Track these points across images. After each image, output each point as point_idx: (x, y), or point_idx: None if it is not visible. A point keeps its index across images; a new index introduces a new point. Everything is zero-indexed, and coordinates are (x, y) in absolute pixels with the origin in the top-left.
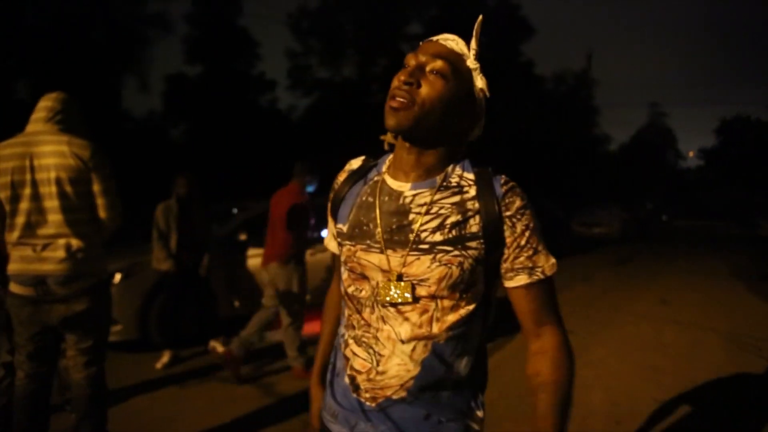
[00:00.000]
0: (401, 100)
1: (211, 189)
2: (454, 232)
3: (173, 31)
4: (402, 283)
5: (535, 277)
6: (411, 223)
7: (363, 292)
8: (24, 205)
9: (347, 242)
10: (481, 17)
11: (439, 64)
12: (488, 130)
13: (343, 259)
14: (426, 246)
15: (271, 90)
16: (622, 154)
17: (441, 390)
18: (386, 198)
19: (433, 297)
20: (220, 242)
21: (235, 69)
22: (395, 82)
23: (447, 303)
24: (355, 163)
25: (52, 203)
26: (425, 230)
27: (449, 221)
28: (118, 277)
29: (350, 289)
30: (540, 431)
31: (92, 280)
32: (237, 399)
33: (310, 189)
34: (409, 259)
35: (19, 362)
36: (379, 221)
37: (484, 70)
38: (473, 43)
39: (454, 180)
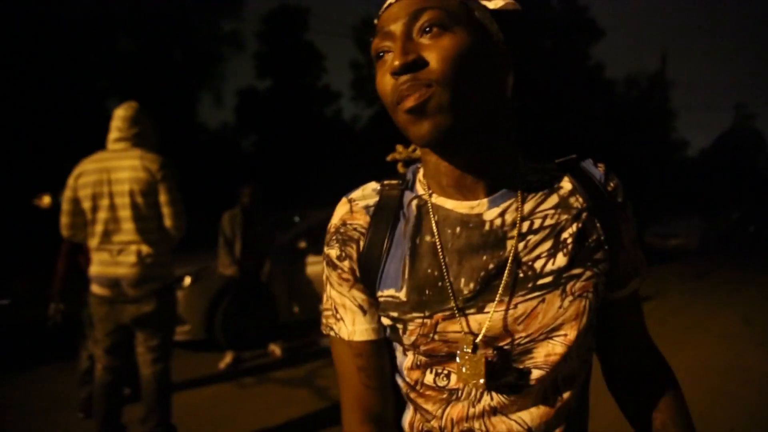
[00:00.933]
0: (418, 95)
1: (278, 197)
2: (576, 246)
3: (245, 48)
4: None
5: (641, 278)
6: (513, 253)
7: (452, 380)
8: (102, 214)
9: (415, 314)
10: None
11: (430, 15)
12: (555, 138)
13: (411, 341)
14: (549, 278)
15: (335, 101)
16: (702, 159)
17: None
18: (457, 230)
19: (569, 351)
20: (282, 249)
21: (301, 82)
22: (385, 78)
23: (585, 351)
24: (365, 197)
25: (125, 213)
26: (539, 257)
27: (565, 234)
28: (188, 280)
29: (427, 379)
30: None
31: (159, 284)
32: (293, 402)
33: None
34: (526, 306)
35: (98, 356)
36: (458, 267)
37: (548, 76)
38: None
39: (535, 177)
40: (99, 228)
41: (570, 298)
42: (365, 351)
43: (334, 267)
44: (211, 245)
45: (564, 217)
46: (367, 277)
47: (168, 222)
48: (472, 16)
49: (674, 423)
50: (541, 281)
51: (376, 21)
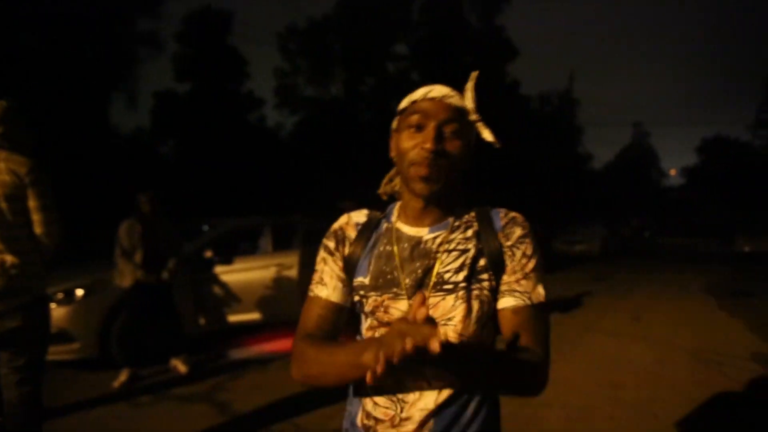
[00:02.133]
0: (431, 170)
1: (198, 206)
2: (471, 268)
3: (163, 49)
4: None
5: (521, 302)
6: (434, 265)
7: None
8: None
9: (372, 293)
10: (476, 73)
11: (454, 126)
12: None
13: (368, 310)
14: (450, 286)
15: (258, 108)
16: (606, 172)
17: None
18: (405, 245)
19: (459, 336)
20: (188, 259)
21: (224, 87)
22: (414, 147)
23: (471, 338)
24: (359, 217)
25: None
26: (448, 270)
27: (467, 258)
28: (80, 293)
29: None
30: (480, 346)
31: (28, 297)
32: (191, 419)
33: None
34: (434, 300)
35: None
36: (402, 269)
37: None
38: (470, 96)
39: (464, 218)
40: None
41: (460, 300)
42: (331, 308)
43: (331, 253)
44: (106, 258)
45: (469, 247)
46: (348, 268)
47: (38, 229)
48: (471, 133)
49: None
50: (445, 287)
51: (414, 99)
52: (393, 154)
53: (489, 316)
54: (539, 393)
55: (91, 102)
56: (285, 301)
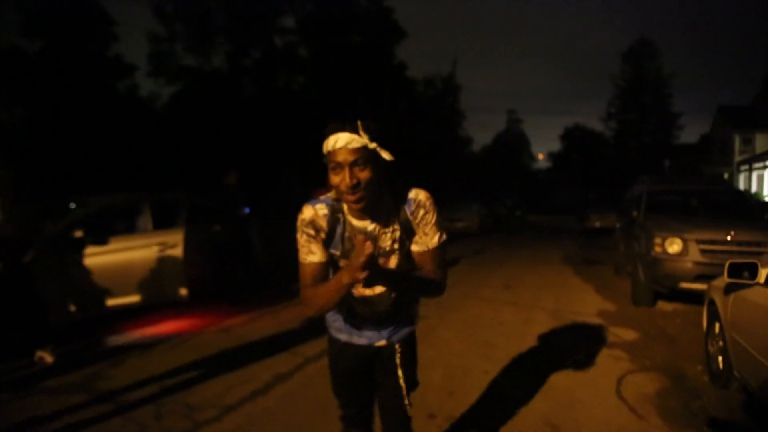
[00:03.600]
0: (355, 196)
1: (58, 183)
2: (397, 237)
3: None
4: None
5: (423, 248)
6: (379, 244)
7: (359, 287)
8: None
9: (342, 259)
10: (360, 122)
11: (360, 161)
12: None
13: (341, 265)
14: (389, 251)
15: (129, 75)
16: (484, 155)
17: (403, 306)
18: (357, 233)
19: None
20: (53, 240)
21: (85, 48)
22: (340, 184)
23: (405, 267)
24: (323, 209)
25: None
26: (386, 245)
27: (396, 235)
28: None
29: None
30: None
31: None
32: (69, 410)
33: None
34: (382, 260)
35: None
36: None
37: (356, 71)
38: (363, 134)
39: (389, 205)
40: None
41: (394, 257)
42: (321, 266)
43: (314, 237)
44: None
45: (395, 227)
46: (327, 243)
47: None
48: (376, 157)
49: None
50: (384, 252)
51: (328, 149)
52: (331, 183)
53: (408, 257)
54: (440, 295)
55: None
56: (169, 282)
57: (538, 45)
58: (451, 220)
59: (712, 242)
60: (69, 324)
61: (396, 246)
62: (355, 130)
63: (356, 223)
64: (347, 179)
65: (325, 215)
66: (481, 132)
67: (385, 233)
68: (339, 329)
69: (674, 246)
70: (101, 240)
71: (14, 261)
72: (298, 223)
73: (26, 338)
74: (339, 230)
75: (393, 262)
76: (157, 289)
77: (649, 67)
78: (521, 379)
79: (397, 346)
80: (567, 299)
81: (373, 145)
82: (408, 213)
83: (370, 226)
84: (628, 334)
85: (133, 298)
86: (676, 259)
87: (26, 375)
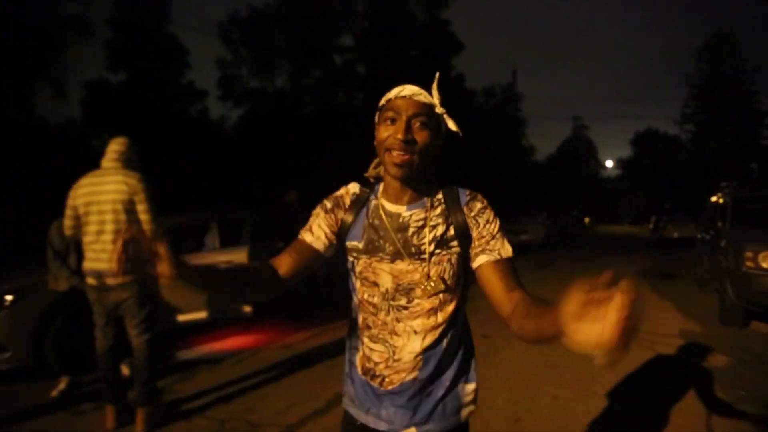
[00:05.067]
0: (404, 156)
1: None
2: (441, 238)
3: (94, 35)
4: (436, 280)
5: (493, 257)
6: (412, 238)
7: (375, 298)
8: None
9: (363, 256)
10: (438, 74)
11: (422, 118)
12: None
13: (358, 270)
14: (425, 255)
15: (201, 99)
16: (549, 164)
17: (442, 370)
18: (389, 219)
19: (434, 294)
20: None
21: (162, 77)
22: (388, 137)
23: (444, 296)
24: (354, 188)
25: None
26: (423, 243)
27: (439, 231)
28: (9, 298)
29: (365, 296)
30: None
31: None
32: (138, 423)
33: None
34: (413, 266)
35: (96, 331)
36: (386, 238)
37: (414, 84)
38: (435, 93)
39: (435, 198)
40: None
41: (434, 264)
42: (309, 250)
43: (326, 211)
44: (36, 259)
45: (439, 222)
46: (342, 229)
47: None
48: (438, 123)
49: (536, 305)
50: (422, 255)
51: (389, 97)
52: (376, 142)
53: (461, 273)
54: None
55: (13, 90)
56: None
57: (604, 48)
58: (514, 232)
59: None
60: None
61: (433, 248)
62: (426, 89)
63: (389, 206)
64: (401, 132)
65: (354, 194)
66: (546, 141)
67: (424, 227)
68: (352, 398)
69: None
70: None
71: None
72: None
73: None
74: (363, 215)
75: (423, 270)
76: (223, 305)
77: (728, 64)
78: (597, 409)
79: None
80: (644, 318)
81: (441, 110)
82: (462, 205)
83: (405, 212)
84: (717, 360)
85: (201, 314)
86: None
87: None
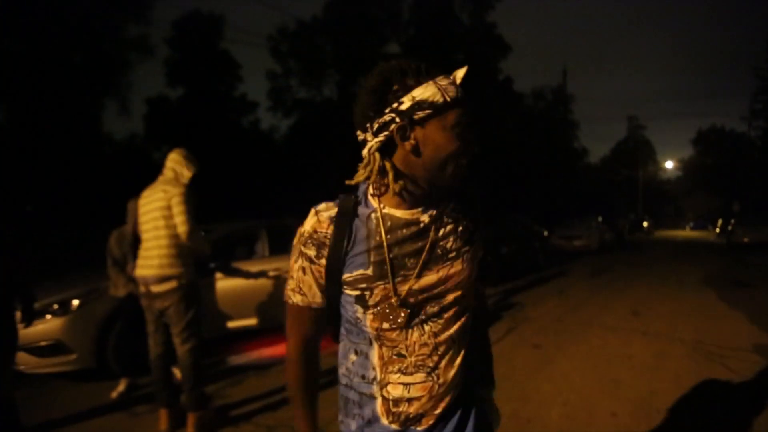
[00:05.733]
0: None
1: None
2: (466, 234)
3: (154, 54)
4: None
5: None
6: (438, 240)
7: (400, 321)
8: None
9: (379, 282)
10: (466, 68)
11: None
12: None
13: (373, 302)
14: (453, 253)
15: (252, 111)
16: (603, 166)
17: (469, 377)
18: (403, 230)
19: (466, 294)
20: None
21: (216, 91)
22: (464, 148)
23: (472, 293)
24: (329, 209)
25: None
26: (448, 241)
27: (461, 226)
28: (75, 303)
29: (384, 326)
30: None
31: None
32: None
33: None
34: (443, 271)
35: (149, 336)
36: (404, 251)
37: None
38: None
39: (450, 197)
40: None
41: (466, 263)
42: (315, 311)
43: (312, 262)
44: (100, 267)
45: (460, 217)
46: (334, 268)
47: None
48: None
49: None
50: (449, 255)
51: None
52: (434, 150)
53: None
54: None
55: (83, 109)
56: (282, 306)
57: (659, 44)
58: (567, 237)
59: None
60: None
61: (461, 244)
62: (473, 92)
63: (400, 213)
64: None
65: (330, 217)
66: (600, 143)
67: (449, 229)
68: None
69: None
70: (224, 266)
71: None
72: (295, 241)
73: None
74: (363, 234)
75: (456, 270)
76: (272, 313)
77: None
78: (659, 427)
79: None
80: (711, 329)
81: None
82: (477, 208)
83: (424, 217)
84: None
85: (251, 321)
86: None
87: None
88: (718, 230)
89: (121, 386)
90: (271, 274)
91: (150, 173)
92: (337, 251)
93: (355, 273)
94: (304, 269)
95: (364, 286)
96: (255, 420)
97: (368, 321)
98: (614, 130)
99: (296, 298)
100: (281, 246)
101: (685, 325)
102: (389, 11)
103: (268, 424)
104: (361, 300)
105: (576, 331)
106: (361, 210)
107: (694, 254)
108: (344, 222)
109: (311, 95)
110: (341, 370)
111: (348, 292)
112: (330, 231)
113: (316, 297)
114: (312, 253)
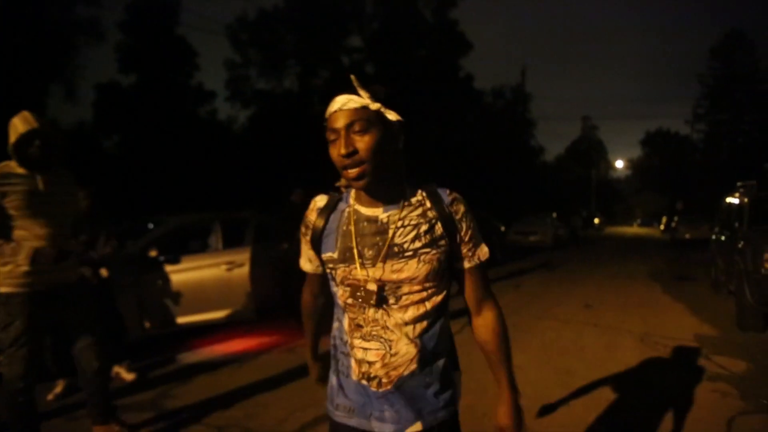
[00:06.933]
0: (355, 170)
1: (147, 203)
2: (427, 236)
3: (105, 38)
4: (386, 287)
5: (474, 263)
6: (392, 238)
7: (361, 299)
8: None
9: (341, 265)
10: (353, 76)
11: (359, 124)
12: (431, 142)
13: (339, 279)
14: (410, 253)
15: (210, 100)
16: (558, 164)
17: (435, 360)
18: (365, 223)
19: (424, 288)
20: (131, 259)
21: (172, 79)
22: (337, 157)
23: (432, 288)
24: (321, 201)
25: None
26: (406, 241)
27: (422, 230)
28: None
29: (350, 300)
30: (500, 380)
31: None
32: (136, 429)
33: None
34: (397, 265)
35: None
36: (364, 243)
37: (422, 85)
38: (362, 92)
39: (414, 199)
40: None
41: (422, 263)
42: (312, 277)
43: (304, 235)
44: None
45: (422, 221)
46: (315, 246)
47: None
48: (381, 118)
49: (494, 343)
50: (405, 254)
51: (326, 116)
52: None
53: (445, 271)
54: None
55: (26, 92)
56: (237, 300)
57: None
58: (523, 233)
59: None
60: (142, 341)
61: (420, 245)
62: (353, 90)
63: (365, 210)
64: (342, 147)
65: (319, 208)
66: (556, 141)
67: (405, 226)
68: (348, 408)
69: None
70: (173, 259)
71: (94, 275)
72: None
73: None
74: (335, 221)
75: (411, 268)
76: (226, 307)
77: (742, 62)
78: (611, 417)
79: None
80: (657, 321)
81: (376, 106)
82: (446, 205)
83: (382, 214)
84: (736, 365)
85: (203, 317)
86: None
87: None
88: (662, 227)
89: (58, 388)
90: (225, 267)
91: (99, 162)
92: (316, 234)
93: (326, 254)
94: (301, 241)
95: (332, 266)
96: (205, 420)
97: (339, 294)
98: (569, 130)
99: (306, 266)
100: (236, 239)
101: (633, 317)
102: (353, 4)
103: (218, 425)
104: (332, 277)
105: (531, 324)
106: (341, 205)
107: (641, 250)
108: (325, 212)
109: (271, 86)
110: (332, 334)
111: (327, 269)
112: (314, 217)
113: (311, 263)
114: (303, 229)
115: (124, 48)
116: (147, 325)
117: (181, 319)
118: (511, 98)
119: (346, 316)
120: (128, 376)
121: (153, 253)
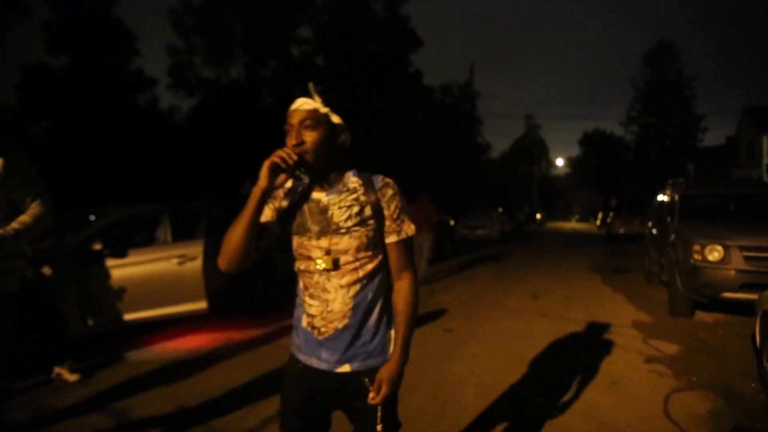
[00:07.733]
0: (300, 158)
1: (81, 194)
2: (358, 217)
3: (31, 15)
4: (329, 257)
5: (399, 237)
6: (331, 218)
7: (310, 267)
8: None
9: (295, 237)
10: (311, 84)
11: (308, 122)
12: (377, 137)
13: (294, 247)
14: (344, 230)
15: (150, 88)
16: (503, 161)
17: (367, 318)
18: (313, 204)
19: (356, 259)
20: (72, 252)
21: (108, 63)
22: (289, 146)
23: (365, 258)
24: (289, 184)
25: None
26: (341, 220)
27: (354, 211)
28: None
29: (302, 266)
30: (397, 340)
31: None
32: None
33: None
34: (335, 239)
35: None
36: (312, 220)
37: (372, 78)
38: (315, 97)
39: (351, 185)
40: None
41: (353, 239)
42: (262, 225)
43: (274, 198)
44: None
45: (354, 204)
46: (280, 216)
47: None
48: (328, 120)
49: (401, 306)
50: (341, 231)
51: (288, 114)
52: None
53: (376, 244)
54: (412, 302)
55: None
56: (188, 295)
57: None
58: (470, 227)
59: (758, 249)
60: (87, 339)
61: (352, 224)
62: (309, 95)
63: (314, 194)
64: (292, 138)
65: (287, 188)
66: (501, 138)
67: (341, 207)
68: (299, 346)
69: (715, 253)
70: (120, 252)
71: (35, 273)
72: None
73: (44, 354)
74: (293, 203)
75: (345, 242)
76: (177, 302)
77: (670, 70)
78: (560, 398)
79: (366, 381)
80: (598, 310)
81: (324, 110)
82: (376, 190)
83: (324, 198)
84: (669, 348)
85: (152, 312)
86: (718, 267)
87: (42, 394)
88: (599, 222)
89: None
90: (176, 261)
91: (24, 150)
92: (281, 208)
93: (286, 226)
94: (268, 209)
95: (289, 237)
96: (161, 421)
97: (296, 260)
98: (513, 128)
99: (267, 213)
100: (186, 232)
101: (577, 306)
102: None
103: (175, 424)
104: (288, 245)
105: (484, 315)
106: (302, 189)
107: (580, 244)
108: (290, 193)
109: (217, 75)
110: (297, 293)
111: (286, 238)
112: (282, 194)
113: (266, 217)
114: (272, 199)
115: (53, 27)
116: (90, 323)
117: (129, 316)
118: (459, 95)
119: (300, 279)
120: (71, 377)
121: (97, 246)
